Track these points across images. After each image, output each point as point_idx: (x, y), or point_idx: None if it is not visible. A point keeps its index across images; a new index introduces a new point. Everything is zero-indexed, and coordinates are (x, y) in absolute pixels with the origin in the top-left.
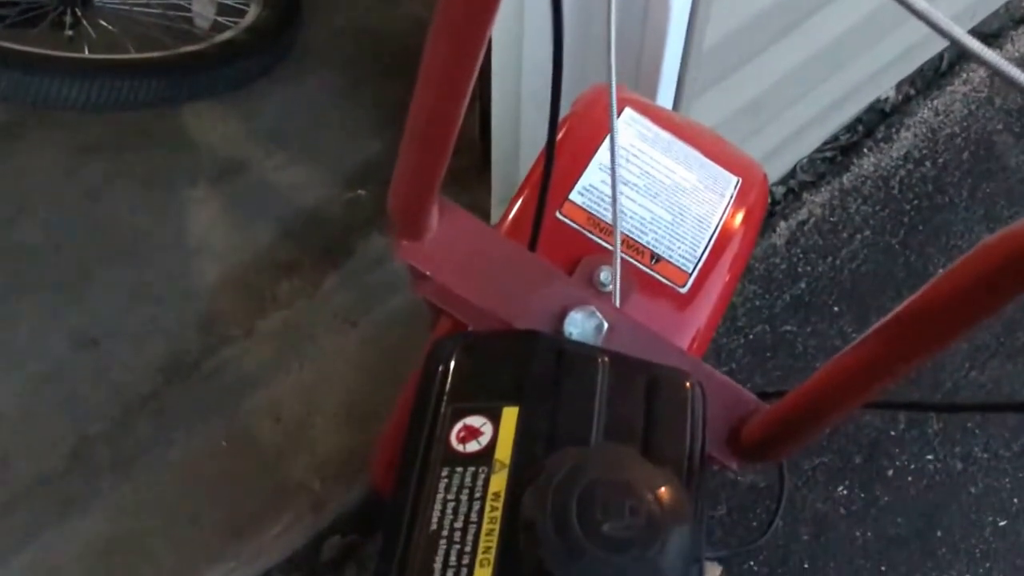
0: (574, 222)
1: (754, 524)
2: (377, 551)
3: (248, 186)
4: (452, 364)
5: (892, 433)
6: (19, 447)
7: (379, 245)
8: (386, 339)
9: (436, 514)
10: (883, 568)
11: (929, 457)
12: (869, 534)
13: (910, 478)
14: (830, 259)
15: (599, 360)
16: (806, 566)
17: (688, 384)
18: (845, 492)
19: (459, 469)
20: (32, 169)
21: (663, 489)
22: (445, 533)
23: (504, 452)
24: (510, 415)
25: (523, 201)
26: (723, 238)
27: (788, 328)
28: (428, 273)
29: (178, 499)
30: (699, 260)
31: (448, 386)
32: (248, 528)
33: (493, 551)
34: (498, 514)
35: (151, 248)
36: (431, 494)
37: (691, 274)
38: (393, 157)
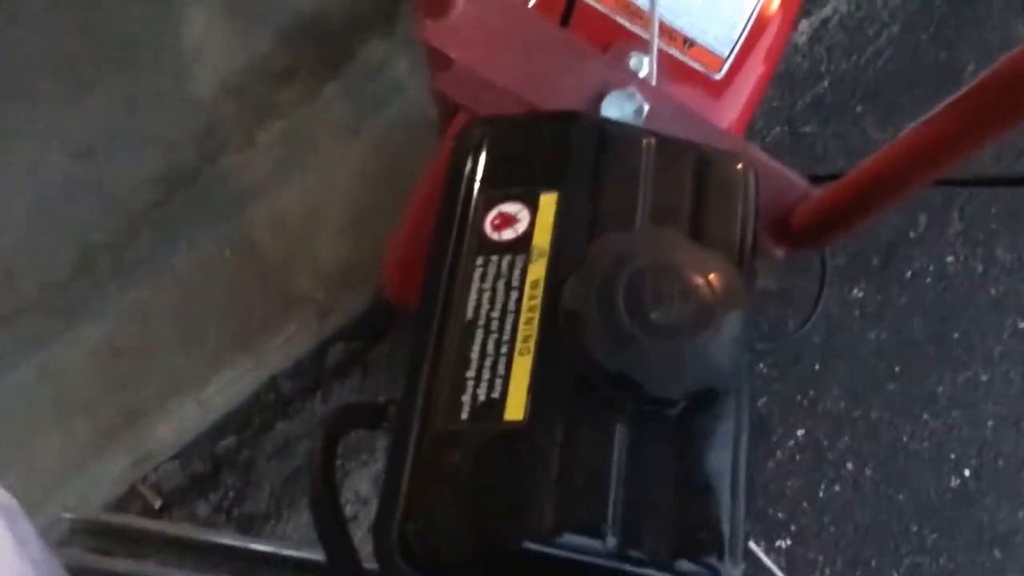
0: (603, 6)
1: (765, 327)
2: (410, 338)
3: None
4: (484, 148)
5: (911, 235)
6: (22, 258)
7: (380, 51)
8: (388, 147)
9: (471, 304)
10: (897, 370)
11: (949, 259)
12: (884, 336)
13: (929, 280)
14: (854, 57)
15: (643, 141)
16: (817, 368)
17: (740, 166)
18: (861, 294)
19: (494, 258)
20: None
21: (714, 273)
22: (481, 323)
23: (543, 239)
24: (548, 201)
25: None
26: (759, 24)
27: (808, 129)
28: (453, 56)
29: (183, 308)
30: (734, 46)
31: (480, 171)
32: (253, 336)
33: (533, 340)
34: (537, 303)
35: (147, 56)
36: (465, 284)
37: (726, 60)
38: None
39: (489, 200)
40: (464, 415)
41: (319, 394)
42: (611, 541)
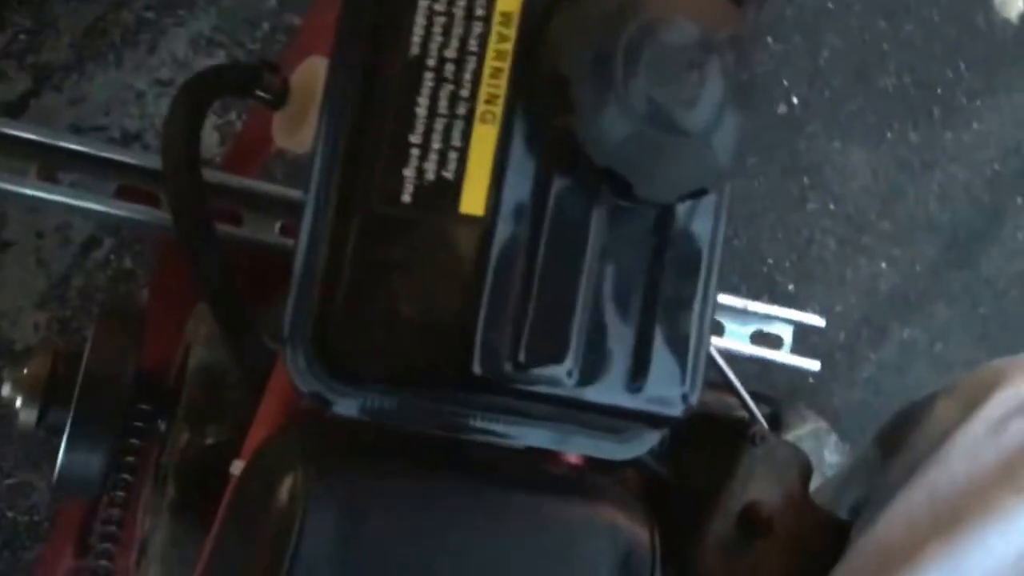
0: None
1: None
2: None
3: None
4: None
5: None
6: None
7: None
8: None
9: (418, 33)
10: None
11: None
12: None
13: None
14: None
15: None
16: None
17: None
18: None
19: None
20: None
21: (731, 40)
22: (431, 63)
23: None
24: None
25: None
26: None
27: None
28: None
29: None
30: None
31: None
32: None
33: (500, 103)
34: (508, 48)
35: None
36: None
37: None
38: None
39: None
40: (406, 197)
41: None
42: (574, 371)
